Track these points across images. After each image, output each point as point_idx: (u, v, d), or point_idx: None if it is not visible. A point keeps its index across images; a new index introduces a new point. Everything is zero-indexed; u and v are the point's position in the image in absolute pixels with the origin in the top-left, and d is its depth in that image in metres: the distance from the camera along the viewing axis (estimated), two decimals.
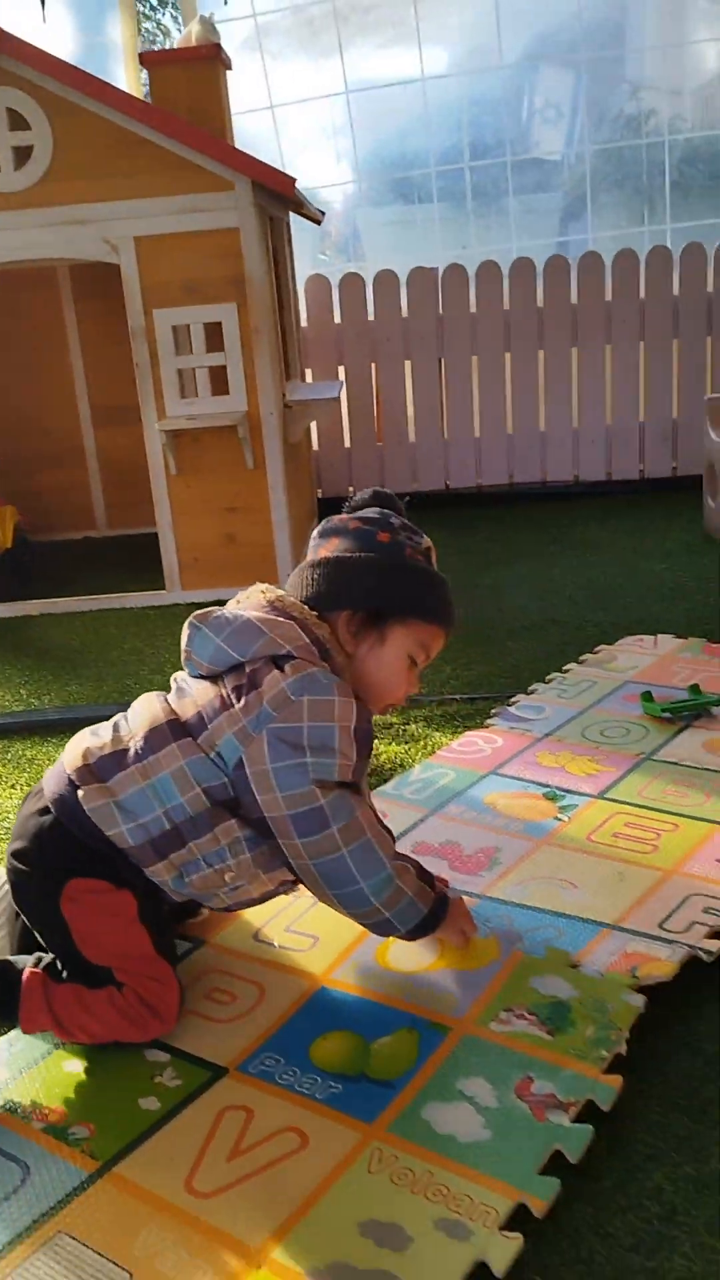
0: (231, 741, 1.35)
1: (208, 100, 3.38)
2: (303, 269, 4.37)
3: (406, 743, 2.26)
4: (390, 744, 2.26)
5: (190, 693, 1.43)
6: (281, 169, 3.16)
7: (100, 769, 1.39)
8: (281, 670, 1.35)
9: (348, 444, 4.58)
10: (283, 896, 1.57)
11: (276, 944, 1.57)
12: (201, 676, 1.43)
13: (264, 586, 1.49)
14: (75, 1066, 1.36)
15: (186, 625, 1.44)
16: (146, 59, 3.37)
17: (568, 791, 1.97)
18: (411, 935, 1.44)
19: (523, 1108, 1.22)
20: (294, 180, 3.07)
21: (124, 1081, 1.33)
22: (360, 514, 1.49)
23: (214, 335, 3.18)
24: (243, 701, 1.35)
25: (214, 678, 1.41)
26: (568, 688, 2.47)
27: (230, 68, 3.57)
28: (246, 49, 5.50)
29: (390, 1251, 1.06)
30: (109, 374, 4.23)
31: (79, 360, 4.31)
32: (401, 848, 1.80)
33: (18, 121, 3.02)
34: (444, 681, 2.59)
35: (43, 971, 1.38)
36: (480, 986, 1.42)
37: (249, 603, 1.46)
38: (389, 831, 1.46)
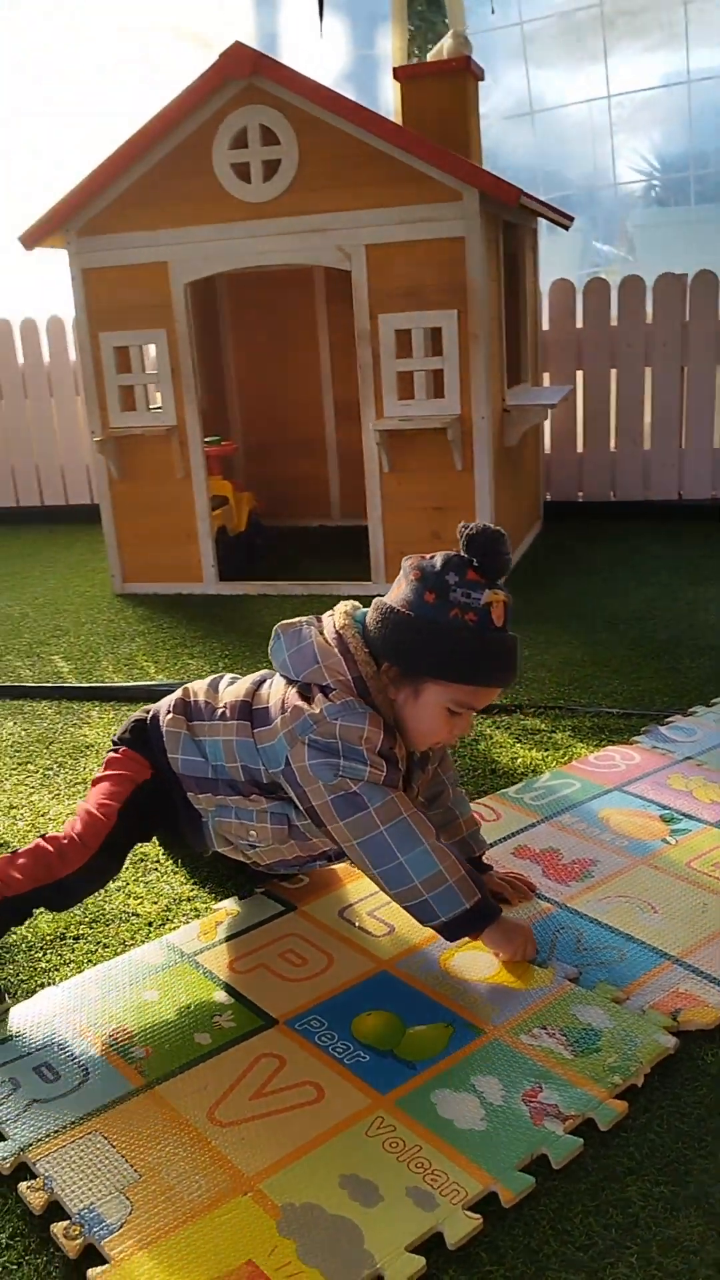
0: (283, 741, 1.55)
1: (455, 111, 3.49)
2: (566, 269, 4.38)
3: (547, 750, 2.30)
4: (531, 749, 2.31)
5: (273, 688, 1.63)
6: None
7: (193, 708, 1.68)
8: (326, 696, 1.53)
9: (580, 449, 4.57)
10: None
11: (357, 924, 1.70)
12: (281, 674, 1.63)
13: (346, 609, 1.63)
14: (153, 996, 1.55)
15: (274, 631, 1.63)
16: (399, 73, 3.52)
17: (685, 816, 1.96)
18: (452, 929, 1.52)
19: (524, 1111, 1.28)
20: (519, 191, 3.12)
21: (188, 1016, 1.50)
22: (424, 563, 1.52)
23: (434, 340, 3.30)
24: (294, 709, 1.54)
25: (289, 680, 1.59)
26: None
27: (482, 78, 3.66)
28: (514, 56, 5.54)
29: (359, 1204, 1.16)
30: (353, 372, 4.44)
31: (327, 358, 4.57)
32: (502, 849, 1.89)
33: (269, 137, 3.27)
34: (607, 694, 2.59)
35: None
36: (523, 1003, 1.48)
37: (329, 622, 1.61)
38: (430, 825, 1.54)
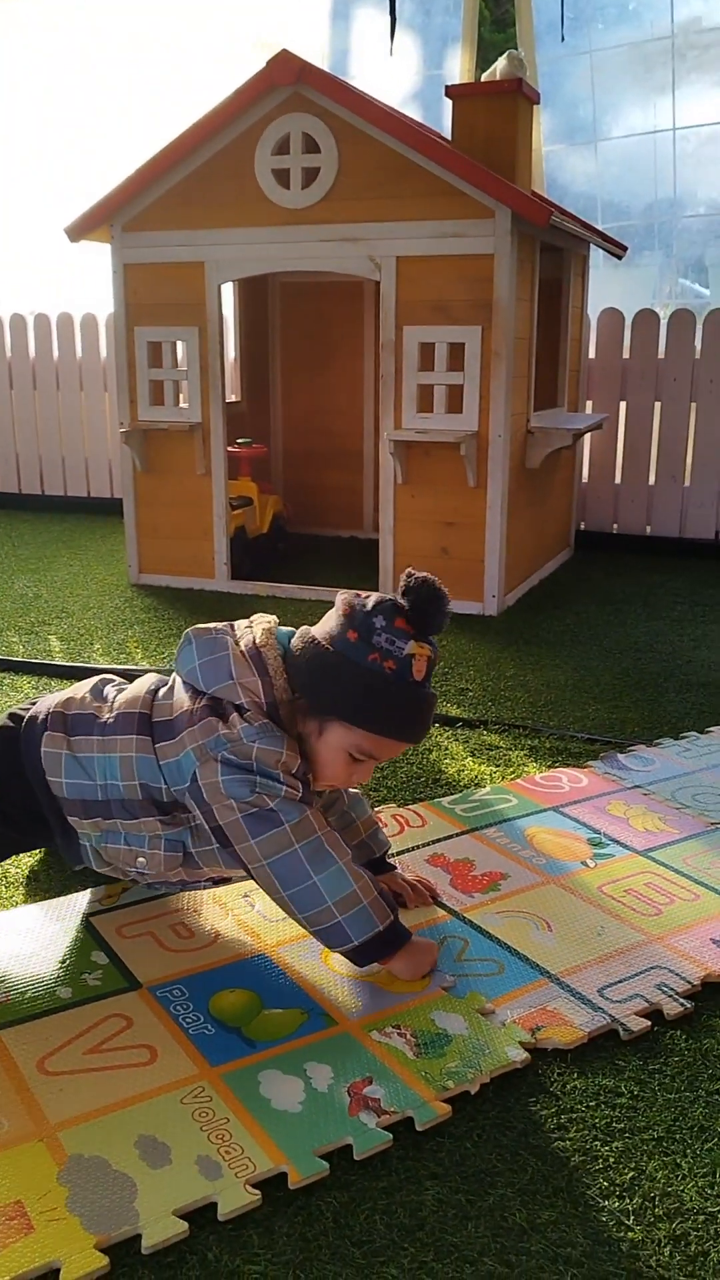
0: (191, 756, 1.46)
1: (504, 131, 3.48)
2: (642, 299, 4.33)
3: (498, 765, 2.27)
4: (481, 764, 2.27)
5: (174, 697, 1.54)
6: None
7: (73, 723, 1.57)
8: (241, 715, 1.45)
9: (618, 480, 4.51)
10: None
11: (257, 906, 1.69)
12: (185, 682, 1.53)
13: (268, 625, 1.55)
14: (34, 948, 1.57)
15: (185, 633, 1.56)
16: (450, 90, 3.54)
17: (613, 841, 1.91)
18: (363, 952, 1.45)
19: (344, 1100, 1.26)
20: (549, 212, 3.11)
21: (59, 970, 1.51)
22: (355, 601, 1.48)
23: (456, 355, 3.30)
24: (204, 723, 1.46)
25: (195, 690, 1.51)
26: (692, 747, 2.35)
27: (537, 102, 3.66)
28: (583, 84, 5.54)
29: (146, 1165, 1.15)
30: None
31: (370, 371, 4.59)
32: (417, 855, 1.86)
33: (310, 145, 3.32)
34: (579, 719, 2.54)
35: None
36: (387, 1003, 1.45)
37: (249, 634, 1.53)
38: (344, 845, 1.49)
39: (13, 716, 1.63)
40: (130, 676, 1.73)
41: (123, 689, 1.62)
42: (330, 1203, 1.13)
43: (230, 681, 1.48)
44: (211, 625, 1.56)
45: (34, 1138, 1.19)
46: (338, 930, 1.43)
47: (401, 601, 1.47)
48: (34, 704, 1.65)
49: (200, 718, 1.47)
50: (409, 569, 1.49)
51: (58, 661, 2.91)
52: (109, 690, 1.63)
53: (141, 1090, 1.27)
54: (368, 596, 1.49)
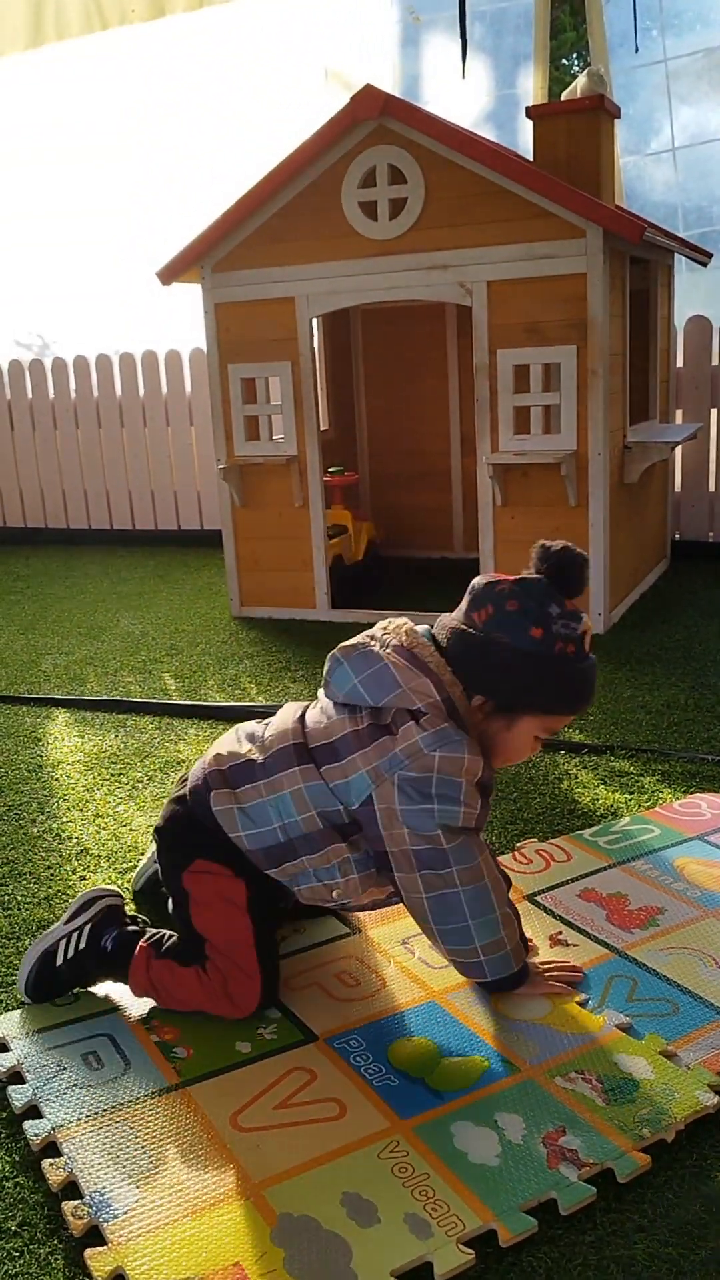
0: (364, 778, 1.46)
1: (586, 149, 3.47)
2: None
3: (631, 793, 2.25)
4: (614, 791, 2.26)
5: (327, 719, 1.53)
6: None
7: (232, 775, 1.56)
8: (418, 723, 1.44)
9: (712, 488, 4.45)
10: None
11: (418, 954, 1.69)
12: (341, 703, 1.53)
13: (408, 627, 1.55)
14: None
15: (330, 656, 1.54)
16: (531, 111, 3.54)
17: None
18: (494, 987, 1.51)
19: (541, 1152, 1.26)
20: (641, 228, 3.09)
21: (235, 1025, 1.53)
22: (521, 590, 1.46)
23: (551, 375, 3.29)
24: (377, 743, 1.46)
25: (352, 709, 1.51)
26: None
27: (618, 116, 3.65)
28: (658, 93, 5.50)
29: (355, 1224, 1.17)
30: None
31: (456, 390, 4.60)
32: (568, 891, 1.86)
33: (396, 176, 3.34)
34: (706, 740, 2.51)
35: (149, 946, 1.57)
36: (565, 1046, 1.45)
37: (391, 639, 1.52)
38: (506, 878, 1.53)
39: (177, 800, 1.63)
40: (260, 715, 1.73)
41: (267, 725, 1.61)
42: (542, 1259, 1.13)
43: (400, 689, 1.45)
44: (354, 641, 1.54)
45: (241, 1196, 1.22)
46: (475, 966, 1.49)
47: (549, 578, 1.47)
48: (185, 780, 1.64)
49: (371, 738, 1.46)
50: (542, 541, 1.49)
51: (175, 701, 2.96)
52: (256, 731, 1.61)
53: (337, 1145, 1.29)
54: (521, 584, 1.47)
